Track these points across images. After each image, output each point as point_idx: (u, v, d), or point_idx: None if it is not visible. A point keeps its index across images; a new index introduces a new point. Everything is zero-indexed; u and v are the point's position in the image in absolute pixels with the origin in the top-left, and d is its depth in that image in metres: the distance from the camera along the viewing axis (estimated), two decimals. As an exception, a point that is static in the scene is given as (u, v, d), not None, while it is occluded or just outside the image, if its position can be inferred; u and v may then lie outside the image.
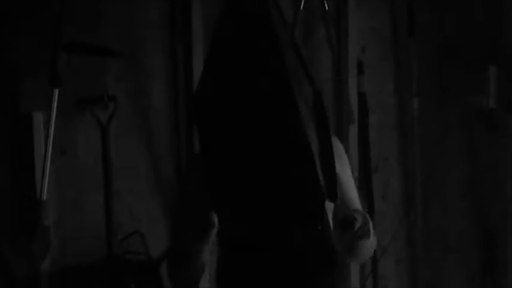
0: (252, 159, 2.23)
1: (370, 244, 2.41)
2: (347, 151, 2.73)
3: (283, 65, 2.21)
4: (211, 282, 3.41)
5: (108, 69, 3.65)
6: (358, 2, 3.94)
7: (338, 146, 2.47)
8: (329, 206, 2.34)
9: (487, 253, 4.19)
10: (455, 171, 4.16)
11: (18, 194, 3.52)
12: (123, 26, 3.67)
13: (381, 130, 4.08)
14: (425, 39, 4.05)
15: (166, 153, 3.76)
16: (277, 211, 2.24)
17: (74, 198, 3.63)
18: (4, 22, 3.45)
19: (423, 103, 4.06)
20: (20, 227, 3.45)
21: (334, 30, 3.92)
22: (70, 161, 3.63)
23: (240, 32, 2.25)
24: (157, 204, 3.75)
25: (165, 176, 3.76)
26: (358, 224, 2.19)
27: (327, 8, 3.86)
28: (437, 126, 4.12)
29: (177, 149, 3.76)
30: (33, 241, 3.33)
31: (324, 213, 2.30)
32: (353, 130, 3.92)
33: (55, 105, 3.35)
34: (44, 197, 3.35)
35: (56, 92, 3.35)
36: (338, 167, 2.37)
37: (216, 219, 2.18)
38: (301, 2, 3.77)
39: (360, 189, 2.98)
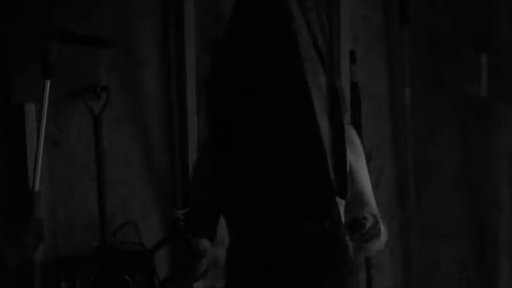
0: (262, 149, 2.21)
1: (379, 243, 2.36)
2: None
3: (298, 54, 2.19)
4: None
5: (100, 59, 3.64)
6: (350, -9, 3.95)
7: (353, 138, 2.43)
8: (341, 201, 2.31)
9: (479, 240, 4.20)
10: (448, 159, 4.17)
11: (10, 185, 3.51)
12: (116, 15, 3.66)
13: (374, 119, 4.09)
14: (417, 28, 4.05)
15: (159, 143, 3.75)
16: (285, 204, 2.22)
17: (67, 189, 3.63)
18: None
19: (415, 92, 4.06)
20: (13, 218, 3.44)
21: (326, 19, 3.91)
22: (62, 152, 3.63)
23: (256, 19, 2.22)
24: (151, 195, 3.75)
25: (159, 166, 3.76)
26: (367, 226, 2.15)
27: (318, -4, 3.85)
28: (430, 114, 4.12)
29: (170, 138, 3.76)
30: (26, 232, 3.33)
31: (331, 208, 2.26)
32: (345, 119, 3.92)
33: (47, 96, 3.34)
34: (37, 188, 3.34)
35: (48, 83, 3.34)
36: (352, 160, 2.35)
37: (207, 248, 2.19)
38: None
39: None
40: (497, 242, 4.19)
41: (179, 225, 3.68)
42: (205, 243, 2.26)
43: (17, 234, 3.37)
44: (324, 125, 2.22)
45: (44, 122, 3.34)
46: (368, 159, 4.03)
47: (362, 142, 3.94)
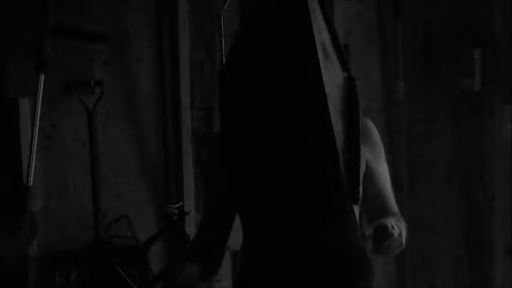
0: (273, 150, 2.13)
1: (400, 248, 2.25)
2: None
3: (314, 51, 2.10)
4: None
5: (94, 54, 3.64)
6: (344, -15, 3.95)
7: (371, 134, 2.30)
8: (357, 208, 2.23)
9: (473, 235, 4.21)
10: (441, 154, 4.17)
11: (4, 179, 3.51)
12: (110, 10, 3.66)
13: (367, 113, 4.08)
14: (411, 23, 4.05)
15: (153, 137, 3.76)
16: (295, 207, 2.15)
17: (61, 183, 3.64)
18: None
19: (409, 86, 4.07)
20: (7, 213, 3.45)
21: (320, 13, 3.91)
22: (56, 147, 3.63)
23: (273, 13, 2.14)
24: (145, 189, 3.76)
25: (152, 160, 3.76)
26: (394, 237, 2.07)
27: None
28: (423, 108, 4.12)
29: (164, 133, 3.76)
30: (20, 226, 3.34)
31: (341, 213, 2.18)
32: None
33: (41, 90, 3.34)
34: (31, 182, 3.35)
35: (42, 77, 3.34)
36: (370, 158, 2.26)
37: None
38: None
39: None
40: (491, 237, 4.19)
41: (173, 219, 3.69)
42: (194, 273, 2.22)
43: (11, 229, 3.38)
44: (338, 125, 2.13)
45: (38, 116, 3.35)
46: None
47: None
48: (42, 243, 3.57)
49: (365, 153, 2.25)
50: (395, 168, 4.15)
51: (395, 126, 4.10)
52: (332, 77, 2.14)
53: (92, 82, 3.60)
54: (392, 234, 2.06)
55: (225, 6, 3.68)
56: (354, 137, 2.15)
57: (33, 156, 3.33)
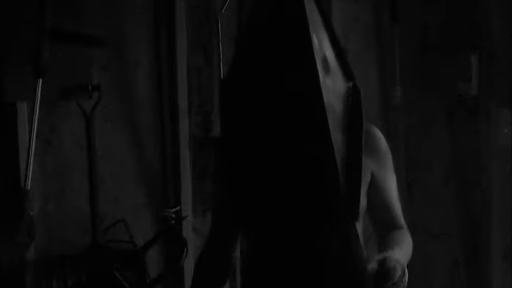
0: (273, 159, 2.08)
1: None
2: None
3: (313, 66, 2.02)
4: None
5: (92, 59, 3.65)
6: (341, -11, 3.96)
7: (377, 143, 2.28)
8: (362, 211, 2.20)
9: (470, 239, 4.21)
10: (439, 158, 4.17)
11: (2, 183, 3.52)
12: (107, 14, 3.67)
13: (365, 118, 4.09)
14: (408, 28, 4.06)
15: (150, 141, 3.77)
16: (293, 214, 2.10)
17: (59, 187, 3.64)
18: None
19: (406, 90, 4.07)
20: (5, 217, 3.45)
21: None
22: (54, 151, 3.64)
23: (274, 23, 2.07)
24: (142, 193, 3.76)
25: (150, 165, 3.77)
26: (396, 279, 2.01)
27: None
28: (420, 113, 4.13)
29: (162, 137, 3.77)
30: (18, 230, 3.34)
31: (341, 223, 2.14)
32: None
33: (39, 95, 3.35)
34: (29, 186, 3.36)
35: (40, 81, 3.35)
36: (375, 169, 2.23)
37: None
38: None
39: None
40: (489, 240, 4.19)
41: (170, 223, 3.70)
42: None
43: (9, 233, 3.38)
44: (338, 137, 2.06)
45: (36, 120, 3.36)
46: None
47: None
48: (40, 247, 3.57)
49: (370, 163, 2.22)
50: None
51: (393, 130, 4.11)
52: (333, 90, 2.08)
53: (90, 87, 3.60)
54: (393, 277, 2.01)
55: (223, 10, 3.69)
56: (356, 149, 2.09)
57: (31, 160, 3.34)
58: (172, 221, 3.70)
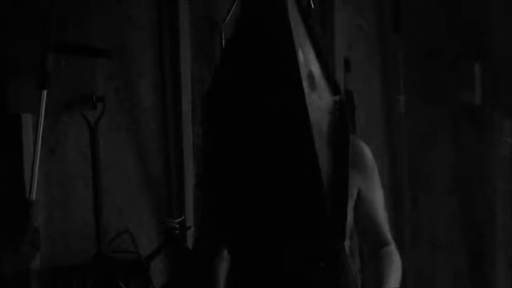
0: (258, 177, 2.05)
1: None
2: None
3: (299, 82, 2.00)
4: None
5: (96, 70, 3.66)
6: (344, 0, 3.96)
7: (363, 156, 2.27)
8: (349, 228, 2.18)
9: (474, 249, 4.21)
10: (443, 168, 4.18)
11: (7, 194, 3.53)
12: (111, 25, 3.68)
13: (368, 127, 4.10)
14: (411, 36, 4.07)
15: (154, 152, 3.77)
16: (277, 237, 2.08)
17: (63, 198, 3.64)
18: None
19: (410, 100, 4.08)
20: (10, 227, 3.46)
21: (321, 28, 3.94)
22: (59, 161, 3.64)
23: (259, 40, 2.04)
24: (146, 203, 3.76)
25: (154, 175, 3.77)
26: None
27: (313, 6, 3.87)
28: (424, 122, 4.13)
29: (166, 148, 3.78)
30: (23, 241, 3.35)
31: (326, 250, 2.12)
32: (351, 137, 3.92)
33: (44, 106, 3.36)
34: (33, 197, 3.36)
35: (45, 93, 3.36)
36: (360, 183, 2.22)
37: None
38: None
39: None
40: (493, 250, 4.19)
41: (174, 233, 3.70)
42: None
43: (14, 243, 3.39)
44: (324, 155, 2.04)
45: (40, 131, 3.37)
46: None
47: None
48: (45, 257, 3.57)
49: (356, 178, 2.22)
50: (396, 182, 4.16)
51: (397, 140, 4.11)
52: (319, 106, 2.06)
53: (94, 97, 3.61)
54: None
55: (226, 21, 3.70)
56: (342, 164, 2.07)
57: (36, 170, 3.34)
58: (177, 231, 3.70)
